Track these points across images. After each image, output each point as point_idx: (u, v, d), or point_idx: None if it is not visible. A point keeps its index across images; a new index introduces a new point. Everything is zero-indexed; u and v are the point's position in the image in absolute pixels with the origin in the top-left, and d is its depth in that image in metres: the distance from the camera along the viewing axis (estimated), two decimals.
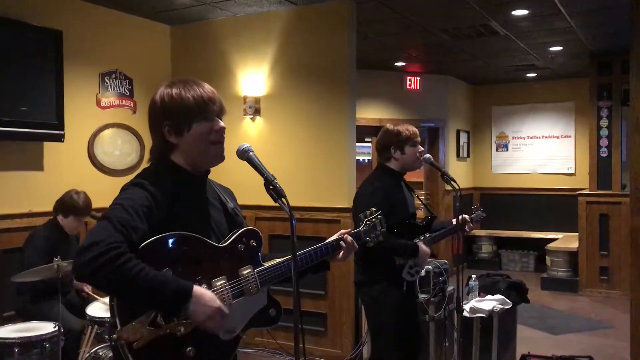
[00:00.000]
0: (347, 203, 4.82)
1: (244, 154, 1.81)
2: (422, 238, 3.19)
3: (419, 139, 3.26)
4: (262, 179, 1.77)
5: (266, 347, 5.09)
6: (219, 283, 1.75)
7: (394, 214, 3.02)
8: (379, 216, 2.28)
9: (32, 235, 3.86)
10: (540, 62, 7.54)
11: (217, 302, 1.68)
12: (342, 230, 2.13)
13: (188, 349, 1.68)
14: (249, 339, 5.12)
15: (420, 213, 4.20)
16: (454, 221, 3.39)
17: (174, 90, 1.81)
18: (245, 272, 1.82)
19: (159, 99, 1.82)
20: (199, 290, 1.65)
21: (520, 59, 7.40)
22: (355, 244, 2.11)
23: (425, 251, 3.13)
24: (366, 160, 9.03)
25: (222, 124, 1.85)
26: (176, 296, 1.61)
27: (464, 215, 3.39)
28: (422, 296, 4.23)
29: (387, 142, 3.23)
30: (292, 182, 4.88)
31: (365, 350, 4.79)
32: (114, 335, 1.61)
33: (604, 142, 7.32)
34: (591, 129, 7.42)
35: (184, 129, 1.80)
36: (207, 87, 1.85)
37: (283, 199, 1.74)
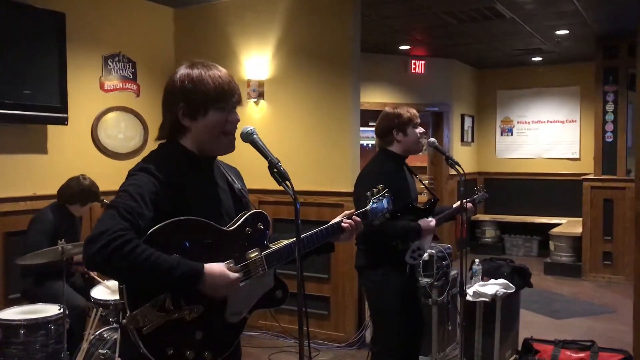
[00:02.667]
0: (351, 187, 4.75)
1: (247, 137, 1.81)
2: None
3: (419, 120, 3.25)
4: (266, 162, 1.76)
5: (269, 330, 5.13)
6: None
7: (397, 199, 2.99)
8: (385, 194, 2.25)
9: (36, 217, 3.87)
10: (546, 45, 7.49)
11: (230, 275, 1.70)
12: (347, 212, 2.11)
13: (196, 332, 1.70)
14: (253, 322, 5.15)
15: (423, 198, 4.20)
16: (456, 204, 3.38)
17: (195, 73, 1.80)
18: (252, 255, 1.83)
19: (179, 79, 1.80)
20: (209, 268, 1.66)
21: (525, 43, 7.34)
22: (361, 223, 2.09)
23: (428, 226, 3.11)
24: (370, 145, 9.00)
25: (237, 116, 1.85)
26: (187, 278, 1.62)
27: (465, 200, 3.38)
28: (425, 280, 4.25)
29: (388, 125, 3.21)
30: (296, 166, 4.88)
31: (368, 334, 4.81)
32: (124, 320, 1.62)
33: (609, 126, 7.28)
34: (596, 114, 7.38)
35: (199, 114, 1.79)
36: (228, 75, 1.84)
37: (287, 182, 1.74)
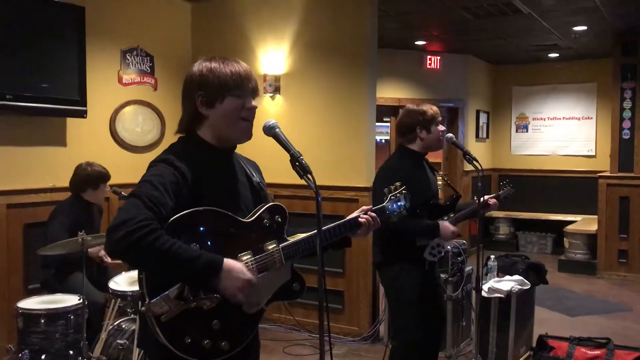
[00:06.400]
0: (366, 182, 4.83)
1: (270, 130, 1.83)
2: (445, 218, 3.17)
3: (441, 117, 3.25)
4: (286, 156, 1.78)
5: (284, 323, 5.16)
6: (244, 258, 1.78)
7: (416, 195, 3.00)
8: (403, 191, 2.26)
9: (56, 209, 3.93)
10: (563, 41, 7.42)
11: (247, 274, 1.71)
12: (364, 207, 2.13)
13: (214, 322, 1.72)
14: (267, 315, 5.17)
15: (441, 195, 4.20)
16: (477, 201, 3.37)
17: (213, 64, 1.85)
18: (270, 247, 1.85)
19: (197, 70, 1.85)
20: (229, 263, 1.68)
21: (542, 39, 7.29)
22: (378, 219, 2.10)
23: (447, 228, 3.09)
24: (383, 141, 8.99)
25: (254, 103, 1.87)
26: (207, 270, 1.65)
27: (485, 197, 3.38)
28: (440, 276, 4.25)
29: (413, 122, 3.19)
30: (311, 161, 4.75)
31: (382, 328, 4.83)
32: (142, 308, 1.65)
33: (626, 124, 7.21)
34: (613, 111, 7.31)
35: (217, 101, 1.82)
36: (246, 66, 1.88)
37: (309, 175, 1.75)
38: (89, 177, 3.95)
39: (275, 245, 1.86)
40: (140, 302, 1.69)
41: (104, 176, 4.00)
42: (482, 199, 3.27)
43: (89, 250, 3.72)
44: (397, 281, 3.15)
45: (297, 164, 1.76)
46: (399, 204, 2.24)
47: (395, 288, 3.19)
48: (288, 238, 1.92)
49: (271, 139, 1.85)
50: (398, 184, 2.28)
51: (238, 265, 1.71)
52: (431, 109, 3.19)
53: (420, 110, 3.18)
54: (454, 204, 3.26)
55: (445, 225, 3.11)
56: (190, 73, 1.87)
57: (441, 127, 3.23)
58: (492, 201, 3.41)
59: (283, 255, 1.86)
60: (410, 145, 3.24)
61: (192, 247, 1.66)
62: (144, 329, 1.76)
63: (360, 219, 2.06)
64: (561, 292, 6.60)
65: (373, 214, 2.09)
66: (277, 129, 1.83)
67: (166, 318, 1.64)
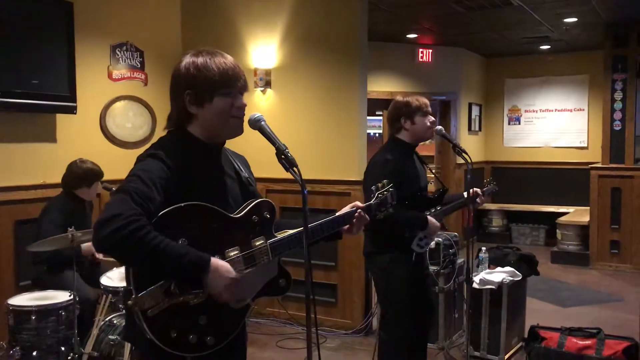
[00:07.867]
0: (358, 176, 4.83)
1: (255, 124, 1.83)
2: (433, 210, 3.19)
3: (429, 109, 3.26)
4: (274, 149, 1.77)
5: (277, 318, 5.17)
6: (232, 253, 1.78)
7: (405, 186, 3.02)
8: (390, 189, 2.28)
9: (47, 206, 3.91)
10: (555, 34, 7.43)
11: (233, 273, 1.72)
12: (354, 203, 2.14)
13: (200, 317, 1.72)
14: (260, 309, 5.19)
15: (431, 187, 4.21)
16: (466, 194, 3.39)
17: (200, 60, 1.82)
18: (257, 243, 1.85)
19: (184, 67, 1.82)
20: (216, 262, 1.69)
21: (533, 31, 7.30)
22: (367, 217, 2.12)
23: (434, 224, 3.13)
24: (377, 134, 9.00)
25: (243, 101, 1.87)
26: (194, 268, 1.65)
27: (475, 189, 3.40)
28: (432, 268, 4.27)
29: (397, 112, 3.25)
30: (303, 155, 4.87)
31: (375, 321, 4.84)
32: (129, 302, 1.64)
33: (617, 115, 7.24)
34: (605, 102, 7.33)
35: (205, 101, 1.81)
36: (233, 62, 1.86)
37: (294, 169, 1.75)
38: (85, 175, 3.93)
39: (263, 241, 1.86)
40: (126, 298, 1.69)
41: (98, 174, 3.99)
42: (471, 191, 3.30)
43: (82, 246, 3.72)
44: (386, 271, 3.17)
45: (282, 157, 1.76)
46: (385, 201, 2.26)
47: (384, 278, 3.21)
48: (276, 234, 1.92)
49: None
50: (385, 181, 2.31)
51: (224, 264, 1.71)
52: (417, 100, 3.22)
53: (405, 101, 3.22)
54: (441, 197, 3.28)
55: (433, 220, 3.13)
56: (177, 69, 1.84)
57: (430, 118, 3.24)
58: (479, 198, 3.44)
59: (271, 252, 1.87)
60: (399, 136, 3.29)
61: (180, 244, 1.66)
62: (131, 323, 1.76)
63: (349, 216, 2.07)
64: (554, 283, 6.63)
65: (362, 213, 2.10)
66: (262, 122, 1.82)
67: (153, 313, 1.64)
